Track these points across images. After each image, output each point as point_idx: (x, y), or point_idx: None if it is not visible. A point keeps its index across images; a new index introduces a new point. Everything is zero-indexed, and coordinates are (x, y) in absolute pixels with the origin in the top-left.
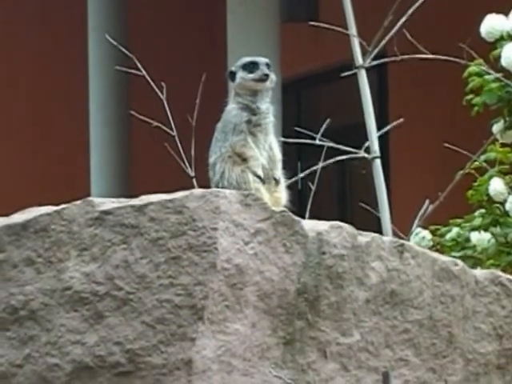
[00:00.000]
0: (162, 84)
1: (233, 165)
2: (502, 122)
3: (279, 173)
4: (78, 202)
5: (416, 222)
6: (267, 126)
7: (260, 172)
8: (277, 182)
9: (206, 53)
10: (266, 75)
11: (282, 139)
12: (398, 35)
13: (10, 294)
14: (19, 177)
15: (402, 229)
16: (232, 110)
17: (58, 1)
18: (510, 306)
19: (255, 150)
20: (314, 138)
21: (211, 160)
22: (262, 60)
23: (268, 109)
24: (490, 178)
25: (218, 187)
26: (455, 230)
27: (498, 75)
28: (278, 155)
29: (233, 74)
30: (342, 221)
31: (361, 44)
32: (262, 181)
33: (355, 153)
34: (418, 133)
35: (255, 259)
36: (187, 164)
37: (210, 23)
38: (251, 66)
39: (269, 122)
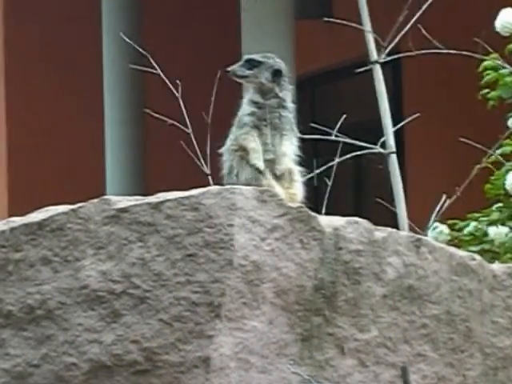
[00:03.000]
0: (177, 82)
1: (241, 160)
2: None
3: (282, 168)
4: (95, 201)
5: (433, 216)
6: (274, 121)
7: (259, 164)
8: (277, 177)
9: (221, 51)
10: (227, 71)
11: (298, 135)
12: (412, 30)
13: (27, 293)
14: (35, 176)
15: (419, 224)
16: (241, 104)
17: (72, 1)
18: None
19: (256, 142)
20: (330, 134)
21: (220, 151)
22: (245, 57)
23: (278, 104)
24: (507, 172)
25: (225, 179)
26: (473, 224)
27: None
28: (285, 150)
29: None
30: (358, 216)
31: (375, 40)
32: (261, 173)
33: (371, 148)
34: (433, 127)
35: (272, 255)
36: (203, 161)
37: (224, 21)
38: None
39: (276, 118)
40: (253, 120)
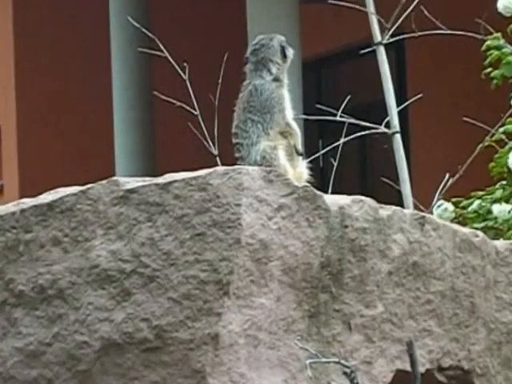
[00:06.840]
0: (185, 65)
1: (269, 141)
2: None
3: (301, 147)
4: (104, 182)
5: (437, 195)
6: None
7: (302, 149)
8: (302, 155)
9: (228, 34)
10: None
11: (304, 117)
12: (415, 11)
13: (38, 273)
14: (46, 159)
15: (423, 202)
16: (271, 88)
17: None
18: None
19: (296, 126)
20: (335, 116)
21: (249, 141)
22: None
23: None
24: (510, 150)
25: (250, 165)
26: (477, 202)
27: None
28: (298, 128)
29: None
30: (363, 195)
31: (379, 21)
32: (302, 156)
33: (376, 128)
34: (436, 107)
35: (279, 234)
36: (210, 143)
37: (230, 4)
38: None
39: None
40: (286, 103)
